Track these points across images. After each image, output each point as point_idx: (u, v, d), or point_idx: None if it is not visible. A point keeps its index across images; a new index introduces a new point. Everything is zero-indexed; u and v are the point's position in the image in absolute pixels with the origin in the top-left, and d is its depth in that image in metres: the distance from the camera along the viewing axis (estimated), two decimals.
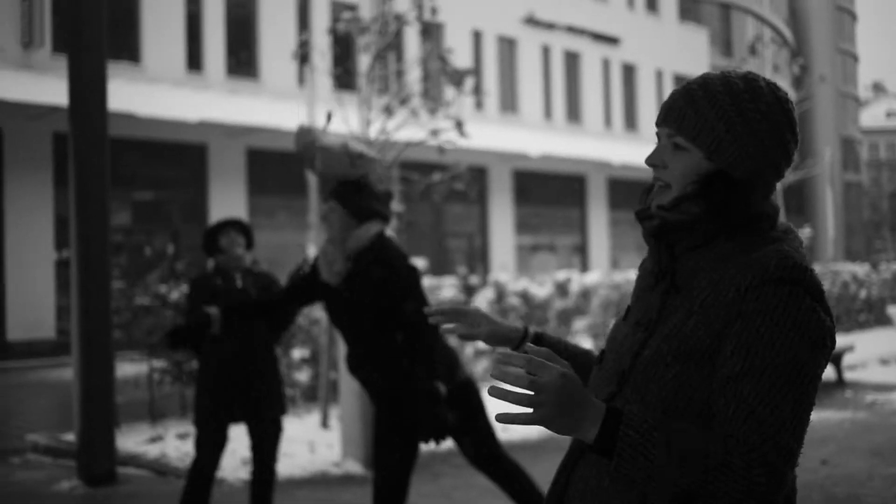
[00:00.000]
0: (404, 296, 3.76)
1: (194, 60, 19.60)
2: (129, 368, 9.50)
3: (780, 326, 1.48)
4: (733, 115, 1.58)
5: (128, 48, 18.52)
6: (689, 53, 31.57)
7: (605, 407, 1.47)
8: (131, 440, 8.10)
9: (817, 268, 18.09)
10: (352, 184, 3.98)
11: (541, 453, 8.17)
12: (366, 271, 3.78)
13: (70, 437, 7.84)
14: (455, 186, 9.76)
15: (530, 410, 1.44)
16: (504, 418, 1.45)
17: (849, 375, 12.16)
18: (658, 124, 1.67)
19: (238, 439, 7.48)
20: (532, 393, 1.44)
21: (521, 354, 1.46)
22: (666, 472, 1.44)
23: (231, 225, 5.19)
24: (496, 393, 1.44)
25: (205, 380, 5.07)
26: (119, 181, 16.04)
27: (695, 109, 1.60)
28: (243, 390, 5.02)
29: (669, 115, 1.64)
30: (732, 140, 1.58)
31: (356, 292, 3.80)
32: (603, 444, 1.46)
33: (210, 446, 5.02)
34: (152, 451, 7.78)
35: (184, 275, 9.86)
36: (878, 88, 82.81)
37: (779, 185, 14.81)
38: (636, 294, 1.74)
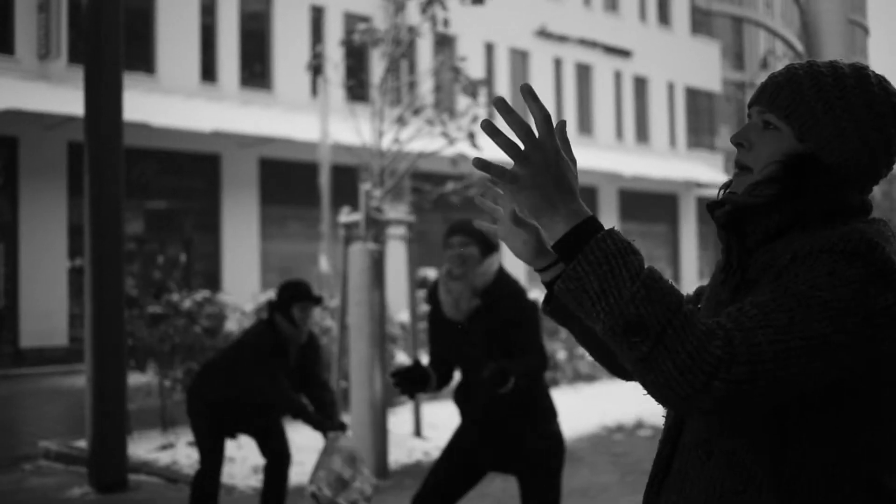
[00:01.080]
0: (528, 330, 3.80)
1: (208, 72, 19.71)
2: (140, 376, 9.54)
3: (813, 277, 1.32)
4: (834, 97, 1.46)
5: (143, 59, 18.65)
6: (701, 66, 31.58)
7: (591, 214, 1.34)
8: (142, 447, 8.14)
9: None
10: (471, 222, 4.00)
11: None
12: (493, 306, 3.81)
13: (82, 443, 7.89)
14: (470, 193, 9.81)
15: (511, 164, 1.34)
16: (480, 163, 1.37)
17: None
18: (750, 104, 1.54)
19: (248, 446, 7.51)
20: (524, 146, 1.34)
21: (544, 108, 1.34)
22: (624, 292, 1.26)
23: (313, 300, 5.06)
24: (487, 128, 1.34)
25: (211, 397, 5.11)
26: (133, 190, 16.14)
27: (792, 86, 1.48)
28: (251, 425, 5.16)
29: (764, 93, 1.52)
30: (830, 121, 1.45)
31: (484, 326, 3.82)
32: (568, 243, 1.31)
33: (212, 454, 5.07)
34: (163, 458, 7.82)
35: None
36: None
37: None
38: (707, 295, 1.60)
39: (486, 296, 3.81)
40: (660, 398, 1.29)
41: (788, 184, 1.44)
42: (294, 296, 4.96)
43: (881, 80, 1.49)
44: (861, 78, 1.48)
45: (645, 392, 1.32)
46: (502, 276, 3.87)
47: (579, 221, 1.32)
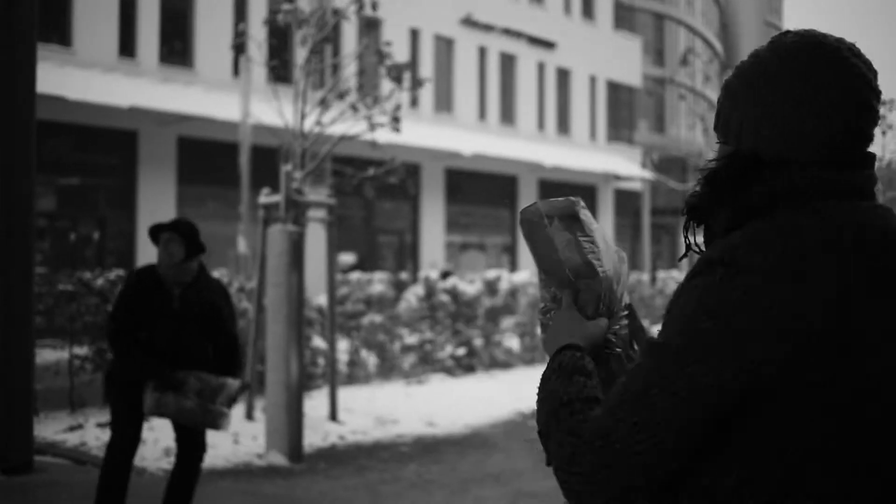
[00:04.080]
0: None
1: (127, 47, 19.23)
2: (49, 355, 9.31)
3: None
4: (739, 88, 1.36)
5: (59, 31, 18.09)
6: (623, 61, 32.04)
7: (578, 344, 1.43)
8: (50, 428, 7.95)
9: None
10: None
11: (466, 448, 8.25)
12: None
13: None
14: (389, 180, 9.80)
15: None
16: None
17: None
18: None
19: (160, 428, 7.41)
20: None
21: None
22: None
23: (167, 228, 4.80)
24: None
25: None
26: (45, 165, 15.67)
27: (723, 101, 1.41)
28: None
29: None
30: (734, 114, 1.35)
31: None
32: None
33: (128, 429, 4.87)
34: (71, 439, 7.65)
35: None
36: None
37: None
38: None
39: None
40: None
41: (707, 182, 1.36)
42: (153, 233, 4.84)
43: (811, 48, 1.32)
44: (785, 57, 1.33)
45: None
46: None
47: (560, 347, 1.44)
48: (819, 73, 1.31)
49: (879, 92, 1.34)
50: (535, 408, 1.38)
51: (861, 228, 1.26)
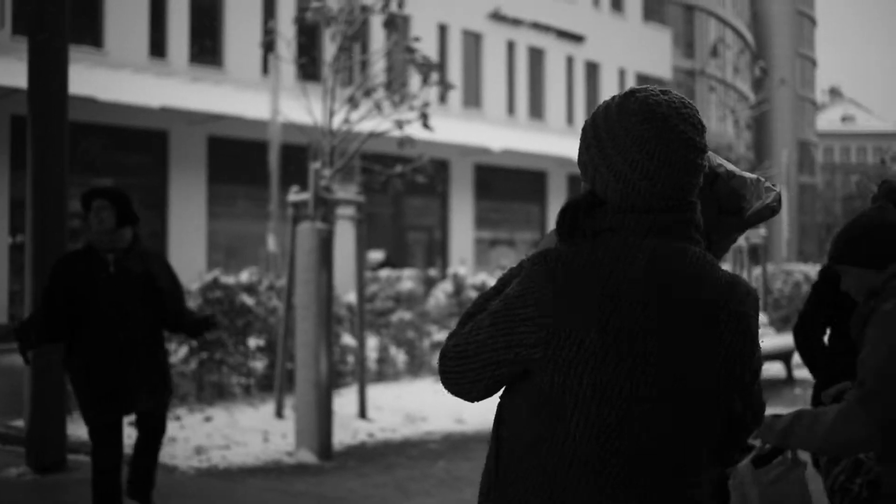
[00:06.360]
0: None
1: (157, 47, 19.38)
2: None
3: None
4: (593, 141, 1.71)
5: (90, 32, 18.26)
6: (653, 53, 31.81)
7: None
8: (83, 427, 8.00)
9: (770, 268, 18.34)
10: None
11: None
12: None
13: (20, 423, 7.75)
14: (417, 178, 9.78)
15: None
16: None
17: (798, 373, 12.39)
18: None
19: (190, 427, 7.45)
20: None
21: None
22: None
23: (99, 194, 4.68)
24: None
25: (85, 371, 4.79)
26: (77, 166, 15.84)
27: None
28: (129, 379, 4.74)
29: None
30: (590, 164, 1.72)
31: None
32: None
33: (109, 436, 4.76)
34: None
35: None
36: (834, 93, 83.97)
37: None
38: None
39: None
40: None
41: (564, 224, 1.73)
42: (84, 201, 4.67)
43: (647, 118, 1.66)
44: (607, 109, 1.72)
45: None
46: None
47: None
48: (651, 141, 1.65)
49: (704, 148, 1.70)
50: None
51: (621, 260, 1.63)
